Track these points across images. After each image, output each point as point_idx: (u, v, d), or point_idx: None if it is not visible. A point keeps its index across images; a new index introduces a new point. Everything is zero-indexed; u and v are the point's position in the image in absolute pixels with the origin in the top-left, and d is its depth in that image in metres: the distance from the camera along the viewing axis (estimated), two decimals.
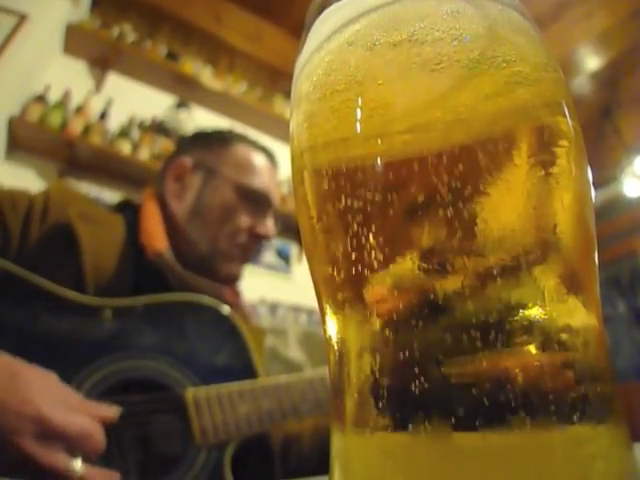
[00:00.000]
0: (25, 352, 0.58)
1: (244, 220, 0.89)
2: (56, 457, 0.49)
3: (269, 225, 0.92)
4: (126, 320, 0.71)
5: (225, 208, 0.88)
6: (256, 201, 0.91)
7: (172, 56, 2.84)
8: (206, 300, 0.78)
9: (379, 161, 0.20)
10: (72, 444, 0.51)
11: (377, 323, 0.19)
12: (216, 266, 0.88)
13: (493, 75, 0.19)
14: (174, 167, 0.93)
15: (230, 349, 0.77)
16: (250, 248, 0.92)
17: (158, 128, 2.64)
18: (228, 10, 3.14)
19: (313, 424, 0.83)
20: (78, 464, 0.50)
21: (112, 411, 0.58)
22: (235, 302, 0.90)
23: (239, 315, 0.84)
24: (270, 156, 0.98)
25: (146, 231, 0.83)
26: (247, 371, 0.77)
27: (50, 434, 0.49)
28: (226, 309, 0.79)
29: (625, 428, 0.18)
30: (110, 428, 0.61)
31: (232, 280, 0.93)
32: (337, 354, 0.21)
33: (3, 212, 0.74)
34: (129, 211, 0.90)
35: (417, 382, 0.17)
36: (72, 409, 0.53)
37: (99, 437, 0.53)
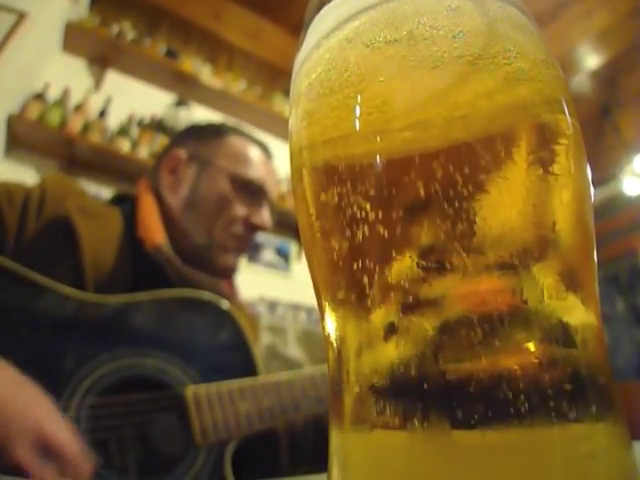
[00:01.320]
0: (25, 350, 0.58)
1: (239, 210, 0.88)
2: (47, 473, 0.48)
3: (265, 215, 0.92)
4: (126, 317, 0.71)
5: (220, 198, 0.88)
6: (251, 191, 0.90)
7: (171, 54, 2.84)
8: (206, 296, 0.78)
9: (379, 159, 0.20)
10: (65, 465, 0.50)
11: (376, 321, 0.19)
12: (212, 258, 0.88)
13: (493, 72, 0.19)
14: (168, 160, 0.92)
15: (230, 346, 0.77)
16: (246, 238, 0.91)
17: (157, 126, 2.64)
18: (227, 8, 3.13)
19: None
20: None
21: (92, 458, 0.56)
22: (231, 295, 0.90)
23: (236, 307, 0.84)
24: (264, 148, 0.98)
25: (144, 224, 0.83)
26: (247, 367, 0.77)
27: (46, 449, 0.48)
28: (226, 304, 0.79)
29: (624, 426, 0.18)
30: (110, 427, 0.61)
31: (229, 272, 0.93)
32: (336, 352, 0.21)
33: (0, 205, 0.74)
34: (126, 204, 0.90)
35: (416, 380, 0.17)
36: (70, 433, 0.52)
37: (88, 467, 0.53)
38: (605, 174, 3.45)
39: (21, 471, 0.47)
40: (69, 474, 0.50)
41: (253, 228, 0.91)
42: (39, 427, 0.48)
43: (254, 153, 0.94)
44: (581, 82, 3.43)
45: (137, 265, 0.81)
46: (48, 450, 0.49)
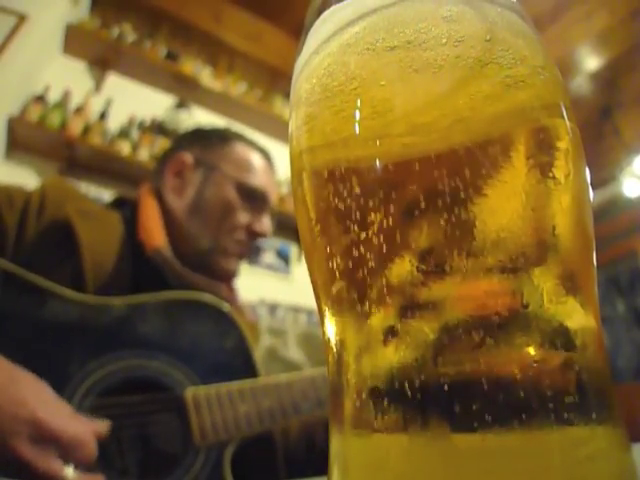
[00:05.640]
0: (27, 351, 0.58)
1: (243, 217, 0.90)
2: (50, 462, 0.49)
3: (266, 223, 0.94)
4: (127, 319, 0.71)
5: (225, 205, 0.89)
6: (255, 199, 0.92)
7: (172, 56, 2.84)
8: (207, 298, 0.78)
9: (378, 163, 0.20)
10: (66, 450, 0.50)
11: (375, 325, 0.19)
12: (215, 262, 0.89)
13: (492, 77, 0.20)
14: (174, 163, 0.93)
15: (231, 348, 0.77)
16: (247, 245, 0.93)
17: (158, 128, 2.64)
18: (228, 10, 3.14)
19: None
20: (70, 471, 0.50)
21: (102, 426, 0.58)
22: (231, 298, 0.91)
23: (235, 310, 0.84)
24: (267, 155, 1.00)
25: (144, 227, 0.84)
26: (248, 369, 0.77)
27: (45, 438, 0.49)
28: (226, 307, 0.79)
29: (623, 429, 0.18)
30: (110, 428, 0.61)
31: (230, 276, 0.94)
32: (336, 355, 0.21)
33: (0, 208, 0.74)
34: (126, 208, 0.90)
35: (415, 383, 0.17)
36: (67, 416, 0.53)
37: (92, 445, 0.53)
38: (605, 176, 3.45)
39: (24, 466, 0.47)
40: (72, 457, 0.51)
41: (255, 235, 0.93)
42: (34, 419, 0.49)
43: (258, 161, 0.96)
44: (581, 84, 3.43)
45: (137, 268, 0.81)
46: (46, 439, 0.49)
